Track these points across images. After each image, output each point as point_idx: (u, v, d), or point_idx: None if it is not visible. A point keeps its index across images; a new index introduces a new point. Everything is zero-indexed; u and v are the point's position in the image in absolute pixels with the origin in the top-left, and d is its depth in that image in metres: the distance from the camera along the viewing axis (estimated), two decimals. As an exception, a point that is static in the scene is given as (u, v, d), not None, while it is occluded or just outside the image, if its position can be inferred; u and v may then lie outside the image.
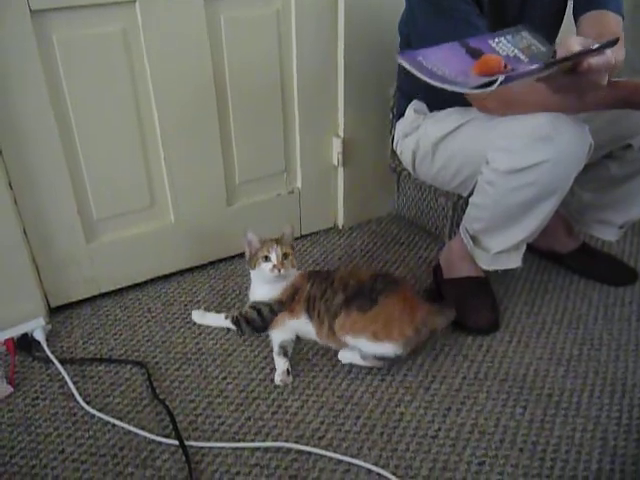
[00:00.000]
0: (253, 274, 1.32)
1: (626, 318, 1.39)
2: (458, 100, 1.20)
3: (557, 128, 1.06)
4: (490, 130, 1.16)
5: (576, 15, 1.21)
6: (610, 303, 1.44)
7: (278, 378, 1.21)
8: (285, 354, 1.25)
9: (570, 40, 0.88)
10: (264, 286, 1.31)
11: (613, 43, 0.86)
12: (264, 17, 1.41)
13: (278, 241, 1.28)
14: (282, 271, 1.25)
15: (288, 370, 1.22)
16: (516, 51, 0.91)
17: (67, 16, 1.20)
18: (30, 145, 1.25)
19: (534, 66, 0.83)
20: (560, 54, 0.86)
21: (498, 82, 0.76)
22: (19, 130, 1.23)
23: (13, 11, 1.14)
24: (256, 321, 1.30)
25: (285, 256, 1.27)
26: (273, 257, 1.25)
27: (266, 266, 1.26)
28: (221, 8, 1.35)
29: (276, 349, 1.26)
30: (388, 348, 1.17)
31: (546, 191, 1.12)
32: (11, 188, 1.26)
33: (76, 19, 1.21)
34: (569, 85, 0.94)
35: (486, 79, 0.79)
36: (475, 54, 0.89)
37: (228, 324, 1.35)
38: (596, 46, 0.85)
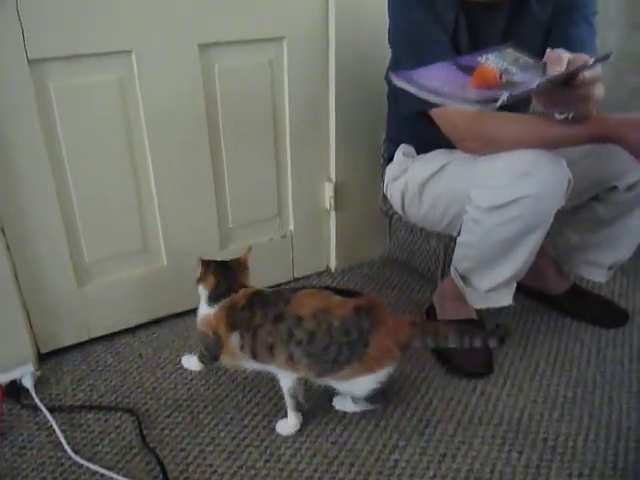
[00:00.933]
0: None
1: (618, 360, 1.39)
2: (443, 142, 1.23)
3: (535, 164, 1.08)
4: (472, 169, 1.18)
5: None
6: (602, 345, 1.44)
7: (284, 430, 1.18)
8: (296, 406, 1.18)
9: (559, 51, 0.92)
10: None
11: (606, 57, 0.92)
12: (257, 66, 1.45)
13: (226, 264, 1.22)
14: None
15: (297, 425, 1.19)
16: (505, 64, 0.95)
17: (64, 65, 1.23)
18: (24, 190, 1.26)
19: (536, 82, 0.86)
20: (552, 64, 0.90)
21: (501, 100, 0.79)
22: (14, 175, 1.24)
23: (12, 60, 1.17)
24: (205, 356, 1.24)
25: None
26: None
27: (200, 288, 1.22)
28: (216, 58, 1.38)
29: (286, 399, 1.18)
30: (380, 376, 1.11)
31: (530, 226, 1.14)
32: (4, 233, 1.26)
33: (73, 68, 1.24)
34: (562, 97, 0.97)
35: (487, 92, 0.82)
36: (467, 70, 0.92)
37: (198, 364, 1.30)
38: (593, 60, 0.90)
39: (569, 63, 0.91)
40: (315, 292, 1.12)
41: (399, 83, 0.87)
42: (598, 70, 0.95)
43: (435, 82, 0.87)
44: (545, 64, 0.94)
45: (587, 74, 0.92)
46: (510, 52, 0.98)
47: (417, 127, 1.30)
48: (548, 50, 0.97)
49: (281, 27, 1.45)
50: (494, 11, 1.24)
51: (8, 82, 1.18)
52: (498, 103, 0.79)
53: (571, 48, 1.20)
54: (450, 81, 0.89)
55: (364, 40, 1.52)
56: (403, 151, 1.44)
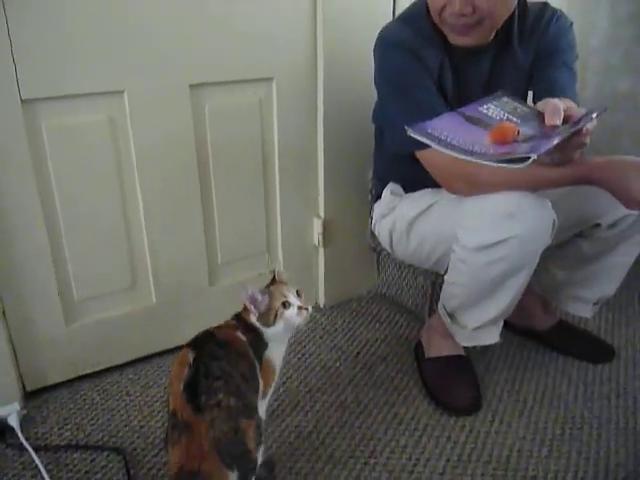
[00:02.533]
0: (274, 333, 1.04)
1: (605, 396, 1.40)
2: (430, 182, 1.25)
3: (520, 206, 1.11)
4: (458, 209, 1.20)
5: (536, 101, 1.29)
6: (589, 381, 1.45)
7: None
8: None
9: (555, 102, 0.96)
10: (287, 341, 1.10)
11: (604, 111, 0.97)
12: (247, 106, 1.48)
13: (280, 282, 1.09)
14: (309, 309, 1.05)
15: None
16: (506, 114, 0.98)
17: (56, 105, 1.24)
18: (14, 227, 1.27)
19: (556, 139, 0.88)
20: (550, 116, 0.93)
21: (531, 160, 0.81)
22: (3, 212, 1.25)
23: (4, 99, 1.18)
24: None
25: (298, 294, 1.07)
26: (293, 299, 1.04)
27: (291, 313, 1.03)
28: (206, 97, 1.41)
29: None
30: None
31: (516, 265, 1.16)
32: (-8, 270, 1.27)
33: (65, 107, 1.25)
34: (558, 146, 1.01)
35: (508, 149, 0.84)
36: (475, 122, 0.95)
37: None
38: (595, 114, 0.94)
39: (565, 112, 0.95)
40: None
41: (415, 136, 0.90)
42: (595, 122, 0.99)
43: (450, 135, 0.90)
44: (540, 113, 0.97)
45: (589, 126, 0.97)
46: (507, 101, 1.01)
47: (404, 167, 1.32)
48: (543, 101, 1.01)
49: (270, 68, 1.49)
50: (479, 55, 1.27)
51: (0, 120, 1.19)
52: (529, 162, 0.82)
53: (552, 92, 1.24)
54: (465, 135, 0.91)
55: (352, 80, 1.56)
56: (391, 189, 1.46)
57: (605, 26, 2.09)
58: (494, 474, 1.17)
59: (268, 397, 1.06)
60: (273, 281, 1.10)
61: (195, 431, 0.88)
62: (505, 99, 1.02)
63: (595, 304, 1.48)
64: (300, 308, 1.04)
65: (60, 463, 1.21)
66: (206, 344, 0.99)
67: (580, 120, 0.94)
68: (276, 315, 1.02)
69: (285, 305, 1.03)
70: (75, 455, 1.23)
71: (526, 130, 0.92)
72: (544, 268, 1.52)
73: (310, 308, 1.05)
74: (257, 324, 1.04)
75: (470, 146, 0.86)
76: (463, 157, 0.85)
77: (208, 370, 0.93)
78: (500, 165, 0.83)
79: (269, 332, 1.04)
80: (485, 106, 0.99)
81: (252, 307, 1.03)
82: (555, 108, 0.94)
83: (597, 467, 1.18)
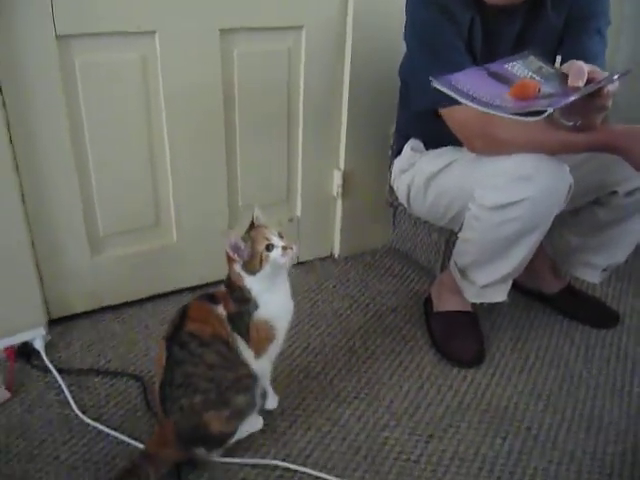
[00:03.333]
0: (262, 281, 1.04)
1: (606, 359, 1.44)
2: (451, 140, 1.27)
3: (538, 168, 1.13)
4: (477, 168, 1.23)
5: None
6: (591, 344, 1.50)
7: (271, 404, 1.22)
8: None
9: (579, 64, 0.96)
10: (283, 286, 1.11)
11: (627, 73, 0.98)
12: (275, 54, 1.50)
13: (260, 226, 1.08)
14: (294, 248, 1.05)
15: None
16: (531, 73, 1.00)
17: (90, 42, 1.27)
18: (45, 161, 1.31)
19: (573, 97, 0.90)
20: (573, 78, 0.94)
21: (547, 113, 0.83)
22: (36, 147, 1.29)
23: (40, 35, 1.21)
24: None
25: (280, 236, 1.06)
26: (276, 240, 1.03)
27: (276, 254, 1.02)
28: (235, 43, 1.43)
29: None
30: None
31: (528, 227, 1.19)
32: (24, 202, 1.32)
33: (98, 45, 1.28)
34: (580, 108, 1.02)
35: (529, 106, 0.87)
36: (498, 78, 0.97)
37: None
38: (616, 76, 0.95)
39: (589, 74, 0.95)
40: None
41: (439, 87, 0.92)
42: (616, 85, 0.99)
43: (473, 89, 0.91)
44: (564, 74, 0.98)
45: (610, 88, 0.98)
46: (533, 60, 1.02)
47: (427, 124, 1.34)
48: (568, 62, 1.01)
49: (300, 16, 1.49)
50: (510, 15, 1.27)
51: (36, 56, 1.22)
52: (544, 115, 0.84)
53: (581, 59, 1.24)
54: (487, 89, 0.93)
55: (381, 34, 1.56)
56: (412, 146, 1.48)
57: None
58: (490, 422, 1.23)
59: (272, 349, 1.09)
60: (252, 226, 1.08)
61: (163, 426, 1.05)
62: (531, 58, 1.03)
63: (604, 270, 1.51)
64: (284, 248, 1.03)
65: (82, 385, 1.29)
66: (174, 342, 1.03)
67: (601, 81, 0.95)
68: (261, 259, 1.02)
69: (269, 248, 1.02)
70: (96, 379, 1.31)
71: (548, 89, 0.93)
72: (558, 233, 1.55)
73: (295, 247, 1.05)
74: (243, 274, 1.04)
75: (491, 99, 0.89)
76: (483, 109, 0.88)
77: (172, 377, 1.02)
78: (515, 117, 0.85)
79: (257, 282, 1.04)
80: (511, 64, 1.00)
81: (236, 255, 1.03)
82: (579, 70, 0.95)
83: (590, 423, 1.24)
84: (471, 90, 0.90)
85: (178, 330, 1.04)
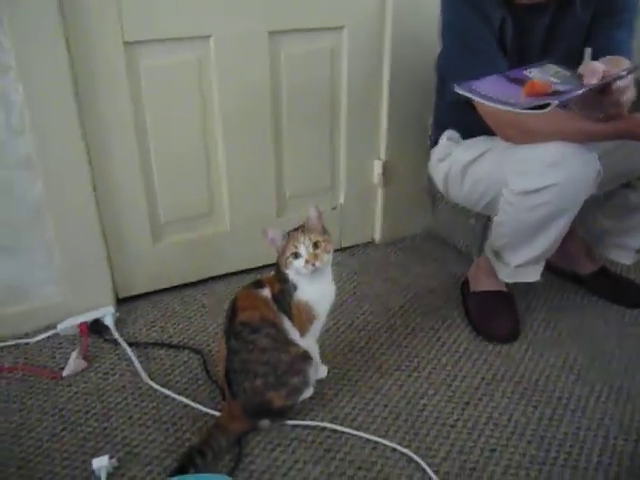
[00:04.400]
0: (294, 275, 1.15)
1: (638, 337, 1.50)
2: (485, 130, 1.36)
3: (566, 156, 1.20)
4: (510, 156, 1.31)
5: (593, 59, 1.36)
6: (625, 323, 1.56)
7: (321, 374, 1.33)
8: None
9: (594, 64, 1.03)
10: (322, 278, 1.18)
11: (637, 68, 1.05)
12: (319, 53, 1.61)
13: (303, 230, 1.13)
14: (317, 264, 1.11)
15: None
16: (547, 77, 1.08)
17: (153, 47, 1.41)
18: (114, 156, 1.46)
19: (580, 90, 0.99)
20: (588, 77, 1.01)
21: (552, 106, 0.92)
22: (106, 143, 1.44)
23: (110, 42, 1.36)
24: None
25: (316, 245, 1.11)
26: (302, 250, 1.10)
27: (299, 264, 1.11)
28: (282, 45, 1.55)
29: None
30: None
31: (557, 210, 1.26)
32: (95, 192, 1.47)
33: (160, 50, 1.42)
34: (595, 103, 1.10)
35: (536, 101, 0.96)
36: (517, 82, 1.06)
37: None
38: (624, 72, 1.02)
39: (603, 73, 1.02)
40: None
41: (461, 92, 1.01)
42: (630, 78, 1.06)
43: (491, 91, 1.01)
44: (581, 75, 1.05)
45: (620, 83, 1.04)
46: (551, 67, 1.10)
47: (462, 114, 1.42)
48: (582, 64, 1.08)
49: (342, 17, 1.60)
50: (539, 12, 1.34)
51: (106, 61, 1.37)
52: (549, 108, 0.93)
53: (609, 51, 1.31)
54: (504, 91, 1.02)
55: (418, 32, 1.65)
56: (448, 136, 1.57)
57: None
58: (523, 392, 1.32)
59: (314, 329, 1.20)
60: (302, 226, 1.15)
61: (231, 404, 1.19)
62: (549, 65, 1.10)
63: (637, 252, 1.57)
64: (307, 261, 1.10)
65: (149, 357, 1.43)
66: (230, 334, 1.16)
67: (610, 77, 1.02)
68: (286, 262, 1.13)
69: (295, 255, 1.11)
70: (161, 351, 1.45)
71: (561, 87, 1.01)
72: (591, 217, 1.62)
73: (317, 263, 1.11)
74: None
75: (506, 98, 0.97)
76: (497, 106, 0.96)
77: (233, 365, 1.16)
78: (525, 112, 0.94)
79: (293, 276, 1.14)
80: (529, 70, 1.08)
81: (274, 247, 1.15)
82: (594, 69, 1.01)
83: (619, 395, 1.31)
84: (489, 92, 0.99)
85: (232, 322, 1.17)
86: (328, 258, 1.15)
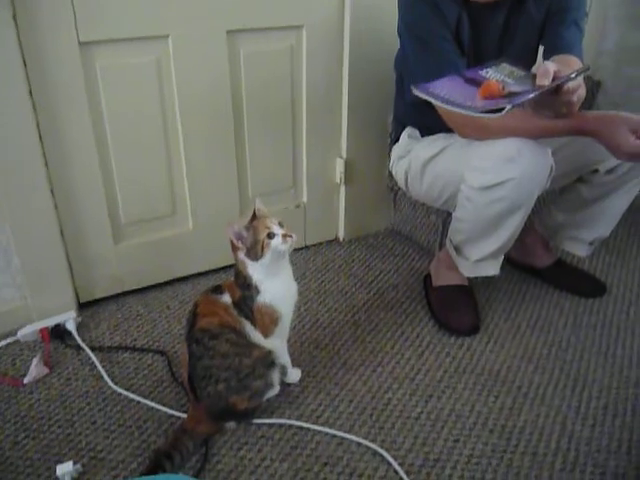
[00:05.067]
0: (263, 268, 1.13)
1: (592, 325, 1.56)
2: (444, 127, 1.38)
3: (520, 151, 1.24)
4: (467, 153, 1.34)
5: (545, 56, 1.40)
6: (580, 312, 1.61)
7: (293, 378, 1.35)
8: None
9: (546, 64, 1.06)
10: (285, 272, 1.20)
11: (586, 70, 1.08)
12: (279, 51, 1.61)
13: (264, 217, 1.15)
14: (293, 237, 1.13)
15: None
16: (503, 77, 1.11)
17: (109, 47, 1.39)
18: (72, 157, 1.44)
19: (533, 93, 1.02)
20: (540, 78, 1.04)
21: (507, 109, 0.95)
22: (63, 144, 1.41)
23: (65, 42, 1.33)
24: None
25: (281, 225, 1.15)
26: (276, 228, 1.12)
27: (277, 242, 1.11)
28: (241, 43, 1.54)
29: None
30: None
31: (514, 205, 1.30)
32: (53, 194, 1.44)
33: (117, 50, 1.40)
34: (548, 102, 1.13)
35: (491, 104, 0.98)
36: (473, 83, 1.08)
37: None
38: (574, 74, 1.05)
39: (555, 74, 1.05)
40: None
41: (419, 94, 1.03)
42: (580, 79, 1.09)
43: (449, 93, 1.03)
44: (535, 75, 1.08)
45: (570, 85, 1.07)
46: (506, 66, 1.13)
47: (421, 113, 1.44)
48: (536, 64, 1.11)
49: (300, 16, 1.60)
50: (494, 10, 1.37)
51: (61, 62, 1.34)
52: (503, 112, 0.95)
53: (560, 48, 1.35)
54: (461, 93, 1.04)
55: (376, 30, 1.67)
56: (408, 133, 1.59)
57: (627, -21, 2.14)
58: (484, 383, 1.35)
59: (280, 329, 1.20)
60: (254, 217, 1.16)
61: (196, 407, 1.19)
62: (504, 64, 1.13)
63: (591, 244, 1.62)
64: (284, 236, 1.12)
65: (112, 361, 1.42)
66: (191, 340, 1.16)
67: (561, 79, 1.05)
68: (263, 246, 1.11)
69: (270, 236, 1.11)
70: (125, 355, 1.44)
71: (515, 88, 1.04)
72: (547, 211, 1.67)
73: (294, 235, 1.13)
74: (247, 261, 1.14)
75: (463, 101, 1.00)
76: (455, 109, 0.99)
77: (196, 371, 1.16)
78: (482, 115, 0.97)
79: (259, 270, 1.13)
80: (485, 70, 1.11)
81: (239, 243, 1.12)
82: (545, 70, 1.03)
83: (575, 382, 1.36)
84: (447, 94, 1.01)
85: (192, 328, 1.17)
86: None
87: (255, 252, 1.12)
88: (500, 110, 0.95)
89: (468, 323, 1.53)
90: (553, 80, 1.03)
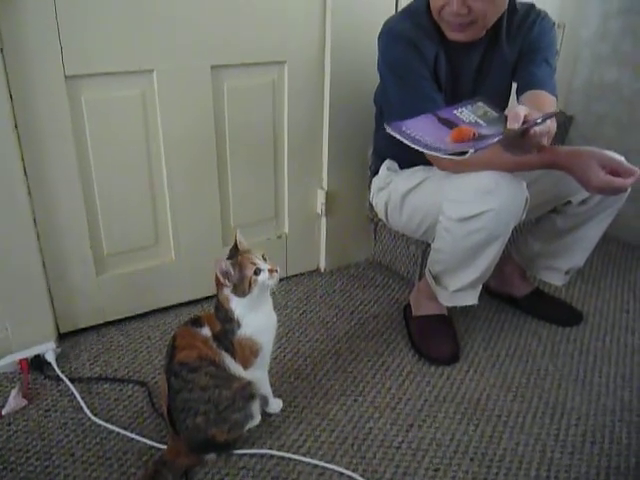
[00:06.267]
0: (247, 303, 1.14)
1: (570, 353, 1.58)
2: (422, 160, 1.42)
3: (498, 184, 1.27)
4: (445, 185, 1.37)
5: (518, 93, 1.46)
6: (557, 340, 1.64)
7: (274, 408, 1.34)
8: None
9: (518, 109, 1.10)
10: (266, 304, 1.20)
11: (552, 115, 1.13)
12: (261, 85, 1.65)
13: (245, 251, 1.16)
14: (278, 270, 1.15)
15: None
16: (476, 118, 1.15)
17: (95, 81, 1.41)
18: (55, 188, 1.44)
19: (497, 138, 1.05)
20: (510, 121, 1.08)
21: (470, 153, 0.99)
22: (47, 176, 1.42)
23: (51, 76, 1.35)
24: None
25: (264, 258, 1.16)
26: (262, 264, 1.13)
27: (264, 277, 1.13)
28: (225, 77, 1.58)
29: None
30: None
31: (492, 236, 1.33)
32: (36, 225, 1.45)
33: (102, 83, 1.42)
34: (518, 144, 1.17)
35: (460, 147, 1.02)
36: (447, 123, 1.12)
37: None
38: (540, 120, 1.09)
39: (526, 117, 1.09)
40: None
41: (392, 133, 1.07)
42: (547, 123, 1.12)
43: (420, 134, 1.07)
44: (506, 117, 1.12)
45: (537, 129, 1.11)
46: (480, 106, 1.18)
47: (400, 146, 1.46)
48: (509, 108, 1.15)
49: (282, 52, 1.65)
50: (471, 49, 1.43)
51: (47, 95, 1.36)
52: (466, 156, 0.99)
53: (532, 85, 1.41)
54: (433, 134, 1.08)
55: (356, 65, 1.72)
56: (388, 166, 1.63)
57: (596, 20, 2.24)
58: (465, 412, 1.36)
59: (261, 360, 1.20)
60: (236, 249, 1.17)
61: (176, 439, 1.19)
62: (480, 104, 1.18)
63: (566, 273, 1.66)
64: (270, 271, 1.13)
65: (92, 392, 1.41)
66: (170, 373, 1.16)
67: (529, 122, 1.09)
68: (250, 282, 1.12)
69: (256, 272, 1.12)
70: (105, 386, 1.43)
71: (486, 131, 1.08)
72: (523, 241, 1.71)
73: (278, 269, 1.15)
74: (231, 296, 1.14)
75: (433, 142, 1.04)
76: (425, 150, 1.03)
77: (175, 404, 1.16)
78: (448, 157, 1.01)
79: (242, 304, 1.14)
80: (460, 109, 1.16)
81: (226, 281, 1.13)
82: (515, 114, 1.07)
83: (554, 410, 1.38)
84: (418, 135, 1.05)
85: (171, 361, 1.17)
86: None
87: (242, 289, 1.13)
88: (464, 153, 0.99)
89: (448, 352, 1.55)
90: (523, 124, 1.08)
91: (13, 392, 1.35)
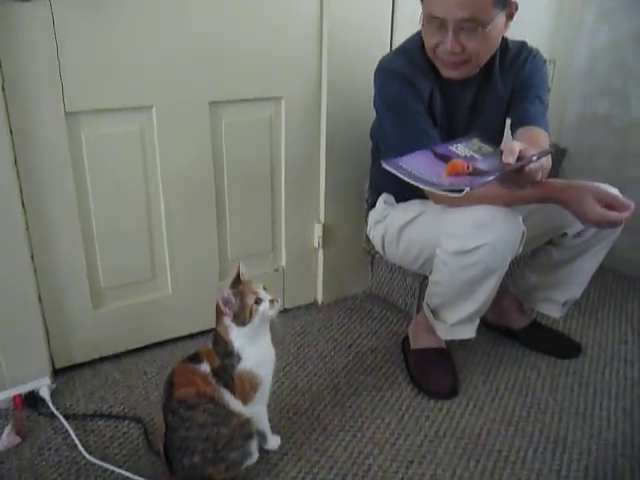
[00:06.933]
0: (247, 333, 1.14)
1: (569, 386, 1.57)
2: (418, 193, 1.43)
3: (494, 217, 1.29)
4: (442, 219, 1.38)
5: (512, 128, 1.48)
6: (556, 373, 1.63)
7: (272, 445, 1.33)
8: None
9: (513, 144, 1.12)
10: (265, 337, 1.21)
11: (548, 153, 1.15)
12: (259, 121, 1.67)
13: (246, 281, 1.17)
14: (280, 301, 1.17)
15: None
16: (471, 152, 1.17)
17: (95, 117, 1.43)
18: (53, 222, 1.45)
19: (492, 176, 1.07)
20: (506, 156, 1.10)
21: (466, 191, 1.00)
22: (46, 211, 1.43)
23: (51, 112, 1.37)
24: None
25: (265, 289, 1.17)
26: (263, 294, 1.15)
27: (264, 307, 1.14)
28: (222, 114, 1.60)
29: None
30: None
31: (489, 269, 1.34)
32: (33, 260, 1.45)
33: (102, 120, 1.44)
34: (513, 179, 1.18)
35: (456, 182, 1.03)
36: (443, 158, 1.14)
37: None
38: (535, 158, 1.11)
39: (521, 152, 1.11)
40: None
41: (388, 168, 1.09)
42: (542, 160, 1.15)
43: (417, 169, 1.09)
44: (501, 151, 1.14)
45: (532, 167, 1.14)
46: (475, 142, 1.20)
47: (396, 179, 1.49)
48: (504, 140, 1.17)
49: (280, 88, 1.68)
50: (465, 86, 1.45)
51: (47, 131, 1.38)
52: (462, 194, 1.01)
53: (525, 121, 1.44)
54: (429, 169, 1.10)
55: (352, 101, 1.75)
56: (384, 199, 1.65)
57: (586, 55, 2.29)
58: (465, 447, 1.35)
59: (260, 395, 1.19)
60: (238, 280, 1.17)
61: (173, 477, 1.17)
62: (474, 140, 1.20)
63: (564, 305, 1.66)
64: (271, 301, 1.14)
65: (87, 429, 1.39)
66: (167, 411, 1.14)
67: (524, 160, 1.11)
68: (251, 312, 1.12)
69: (257, 301, 1.13)
70: (100, 423, 1.41)
71: (482, 166, 1.10)
72: (520, 273, 1.71)
73: (279, 300, 1.16)
74: (231, 326, 1.14)
75: (429, 177, 1.05)
76: (421, 185, 1.05)
77: (172, 442, 1.14)
78: (444, 193, 1.02)
79: (243, 335, 1.14)
80: (455, 145, 1.18)
81: (227, 309, 1.13)
82: (511, 149, 1.10)
83: (555, 444, 1.36)
84: (415, 170, 1.07)
85: (169, 398, 1.15)
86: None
87: (243, 318, 1.13)
88: (461, 190, 1.00)
89: (447, 386, 1.53)
90: (518, 159, 1.09)
91: (6, 429, 1.33)
